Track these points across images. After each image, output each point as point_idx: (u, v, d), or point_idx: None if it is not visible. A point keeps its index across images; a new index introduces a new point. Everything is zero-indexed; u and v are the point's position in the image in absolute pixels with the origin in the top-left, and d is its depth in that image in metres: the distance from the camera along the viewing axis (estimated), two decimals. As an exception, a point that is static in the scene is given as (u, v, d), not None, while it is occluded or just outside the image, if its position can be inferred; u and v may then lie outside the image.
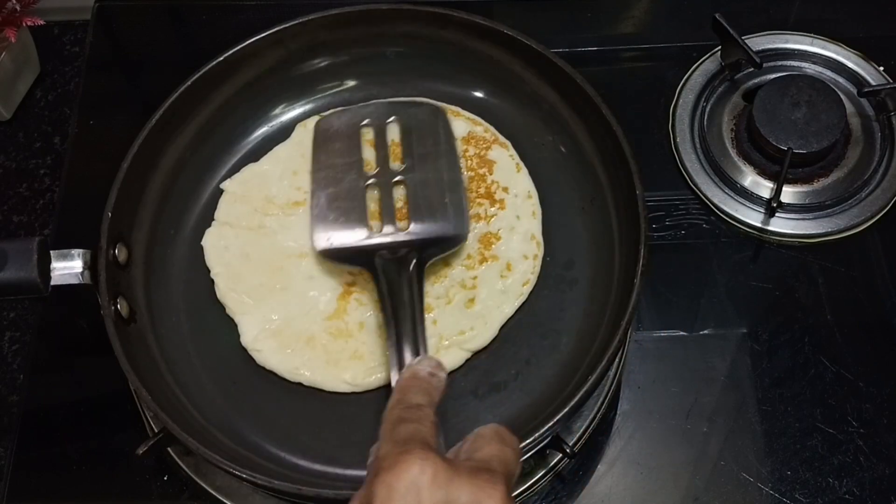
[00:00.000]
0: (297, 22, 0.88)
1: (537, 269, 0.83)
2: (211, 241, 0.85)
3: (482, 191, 0.86)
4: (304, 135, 0.89)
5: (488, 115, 0.91)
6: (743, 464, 0.84)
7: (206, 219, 0.87)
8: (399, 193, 0.83)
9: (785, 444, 0.85)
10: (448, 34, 0.89)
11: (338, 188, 0.83)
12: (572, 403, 0.71)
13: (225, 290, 0.82)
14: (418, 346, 0.72)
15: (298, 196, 0.86)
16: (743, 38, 0.99)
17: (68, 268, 0.75)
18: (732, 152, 0.98)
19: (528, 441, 0.69)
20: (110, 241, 0.77)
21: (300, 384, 0.79)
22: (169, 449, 0.81)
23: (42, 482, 0.84)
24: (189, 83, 0.84)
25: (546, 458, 0.81)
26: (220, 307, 0.83)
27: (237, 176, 0.88)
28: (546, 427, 0.70)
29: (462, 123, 0.90)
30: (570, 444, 0.77)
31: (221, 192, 0.88)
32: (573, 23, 1.08)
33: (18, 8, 1.02)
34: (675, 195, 0.97)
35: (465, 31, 0.89)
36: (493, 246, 0.84)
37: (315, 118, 0.90)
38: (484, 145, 0.89)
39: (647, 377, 0.88)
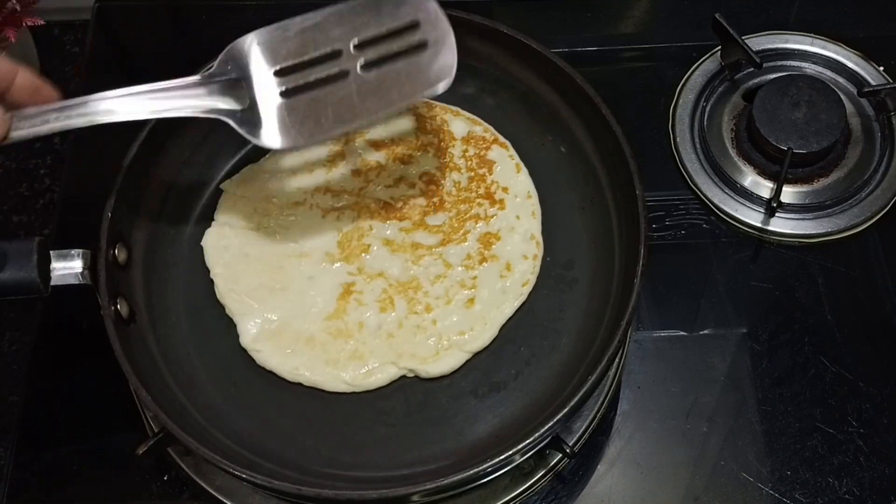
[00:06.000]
0: (297, 22, 0.87)
1: (537, 269, 0.84)
2: (211, 241, 0.85)
3: (482, 191, 0.86)
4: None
5: (488, 115, 0.91)
6: (743, 464, 0.84)
7: (206, 219, 0.87)
8: None
9: (785, 444, 0.85)
10: (448, 34, 0.89)
11: None
12: (572, 403, 0.71)
13: (225, 291, 0.82)
14: None
15: (298, 196, 0.86)
16: (743, 38, 0.99)
17: (68, 268, 0.75)
18: (732, 152, 0.98)
19: (528, 441, 0.70)
20: (110, 241, 0.78)
21: (300, 384, 0.79)
22: (169, 449, 0.81)
23: (42, 482, 0.84)
24: (189, 83, 0.83)
25: (546, 458, 0.81)
26: (220, 307, 0.83)
27: (237, 176, 0.88)
28: (546, 427, 0.70)
29: (461, 123, 0.90)
30: (570, 444, 0.77)
31: (221, 192, 0.88)
32: (573, 23, 1.08)
33: (18, 8, 1.01)
34: (675, 195, 0.97)
35: (464, 30, 0.88)
36: (493, 246, 0.84)
37: None
38: (484, 145, 0.89)
39: (647, 377, 0.88)
